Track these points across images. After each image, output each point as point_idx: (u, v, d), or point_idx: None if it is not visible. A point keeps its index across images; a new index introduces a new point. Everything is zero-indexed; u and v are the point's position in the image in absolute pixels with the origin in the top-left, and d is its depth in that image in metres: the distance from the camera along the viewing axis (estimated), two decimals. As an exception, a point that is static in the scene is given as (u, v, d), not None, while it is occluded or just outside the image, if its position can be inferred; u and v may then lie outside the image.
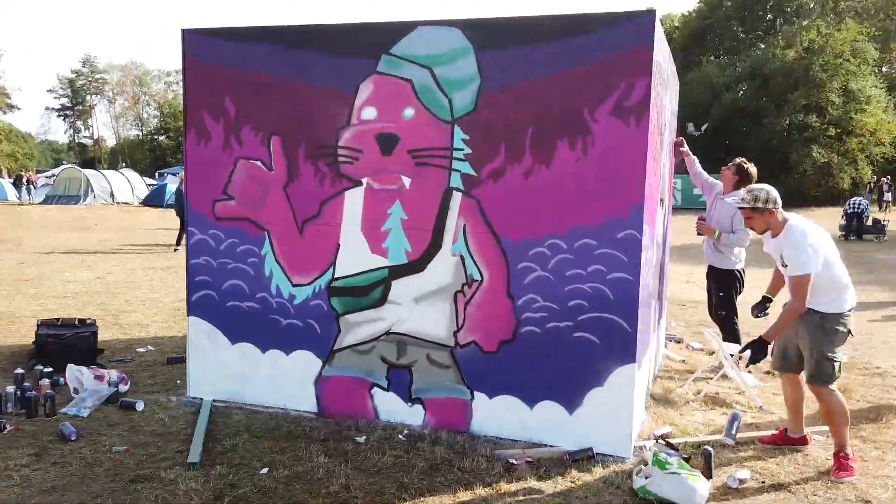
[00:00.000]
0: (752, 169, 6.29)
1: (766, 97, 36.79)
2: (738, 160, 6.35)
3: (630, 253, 4.21)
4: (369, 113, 4.64)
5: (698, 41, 44.51)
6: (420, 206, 4.60)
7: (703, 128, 38.71)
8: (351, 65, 4.62)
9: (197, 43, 5.02)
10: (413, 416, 4.76)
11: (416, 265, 4.64)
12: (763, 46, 41.00)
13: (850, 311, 4.22)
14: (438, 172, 4.53)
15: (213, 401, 5.19)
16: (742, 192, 6.18)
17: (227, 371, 5.19)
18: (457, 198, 4.53)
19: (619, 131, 4.17)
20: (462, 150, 4.48)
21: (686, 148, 6.53)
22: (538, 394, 4.47)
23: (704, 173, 6.70)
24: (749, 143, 34.89)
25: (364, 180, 4.70)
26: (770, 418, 5.19)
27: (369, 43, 4.58)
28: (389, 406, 4.80)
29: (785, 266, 4.19)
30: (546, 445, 4.43)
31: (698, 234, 6.26)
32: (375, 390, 4.82)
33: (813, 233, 4.13)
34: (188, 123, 5.11)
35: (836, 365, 4.15)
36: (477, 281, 4.53)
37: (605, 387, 4.33)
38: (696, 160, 6.68)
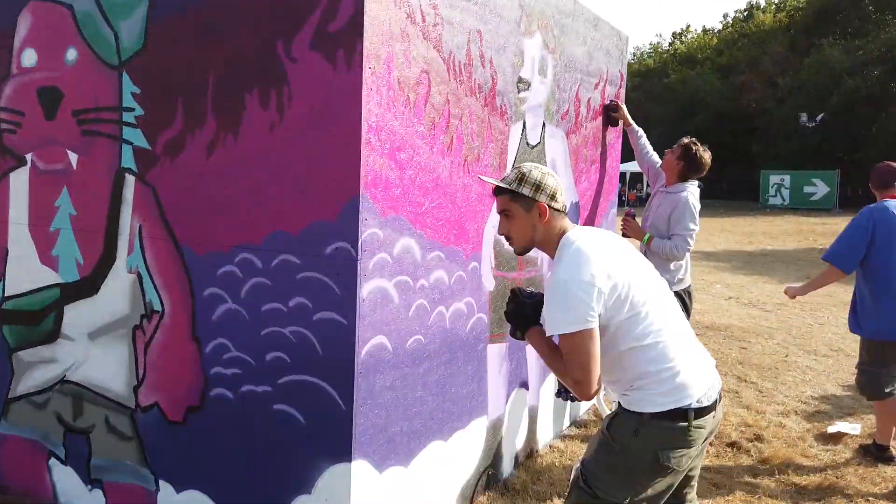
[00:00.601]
0: (706, 155, 4.34)
1: (898, 83, 32.51)
2: (685, 140, 4.41)
3: (343, 279, 2.51)
4: (29, 58, 3.17)
5: (822, 22, 40.09)
6: (89, 197, 3.08)
7: (819, 118, 34.81)
8: (7, -12, 3.17)
9: None
10: (94, 503, 3.24)
11: (87, 284, 3.13)
12: (900, 25, 36.28)
13: (682, 420, 2.14)
14: (108, 145, 3.00)
15: None
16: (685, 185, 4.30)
17: None
18: (130, 184, 2.97)
19: (323, 75, 2.49)
20: (133, 110, 2.92)
21: (625, 112, 4.65)
22: (231, 493, 2.85)
23: (652, 153, 4.78)
24: (874, 134, 30.86)
25: (28, 157, 3.22)
26: None
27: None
28: (67, 485, 3.31)
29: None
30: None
31: (623, 235, 4.34)
32: (53, 461, 3.33)
33: (600, 260, 2.14)
34: None
35: None
36: (157, 312, 2.96)
37: (313, 495, 2.65)
38: (642, 133, 4.77)
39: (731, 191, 39.55)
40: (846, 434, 4.66)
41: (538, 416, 4.11)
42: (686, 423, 2.11)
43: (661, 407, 2.09)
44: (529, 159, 3.67)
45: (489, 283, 3.41)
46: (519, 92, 3.50)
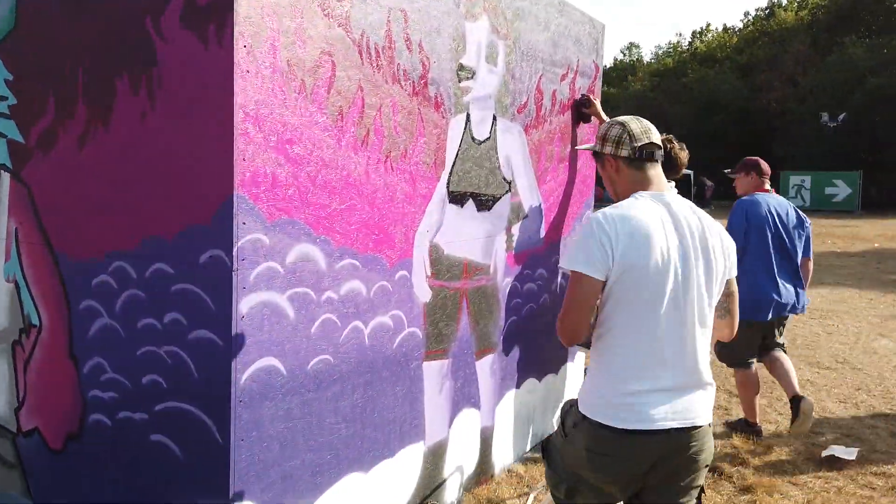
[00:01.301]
0: (681, 154, 3.95)
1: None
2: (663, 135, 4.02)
3: (218, 292, 2.16)
4: None
5: (845, 20, 39.13)
6: (-33, 197, 2.76)
7: (840, 117, 33.96)
8: None
9: None
10: (-20, 537, 2.92)
11: (-32, 293, 2.80)
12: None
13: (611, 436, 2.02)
14: (-16, 139, 2.67)
15: None
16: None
17: None
18: (5, 182, 2.65)
19: (194, 56, 2.15)
20: (6, 98, 2.60)
21: (597, 108, 4.27)
22: (110, 534, 2.51)
23: None
24: (898, 136, 30.09)
25: None
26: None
27: None
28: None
29: None
30: None
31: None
32: (-59, 487, 3.01)
33: (636, 231, 1.98)
34: None
35: None
36: (35, 327, 2.63)
37: (192, 541, 2.30)
38: None
39: (751, 192, 38.63)
40: (841, 459, 4.23)
41: (493, 438, 3.74)
42: (616, 435, 1.99)
43: (595, 415, 2.02)
44: (476, 156, 3.31)
45: (424, 294, 3.05)
46: (460, 81, 3.14)
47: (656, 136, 2.16)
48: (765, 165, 4.75)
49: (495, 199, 3.50)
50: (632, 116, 2.20)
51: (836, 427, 4.86)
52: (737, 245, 4.08)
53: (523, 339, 3.90)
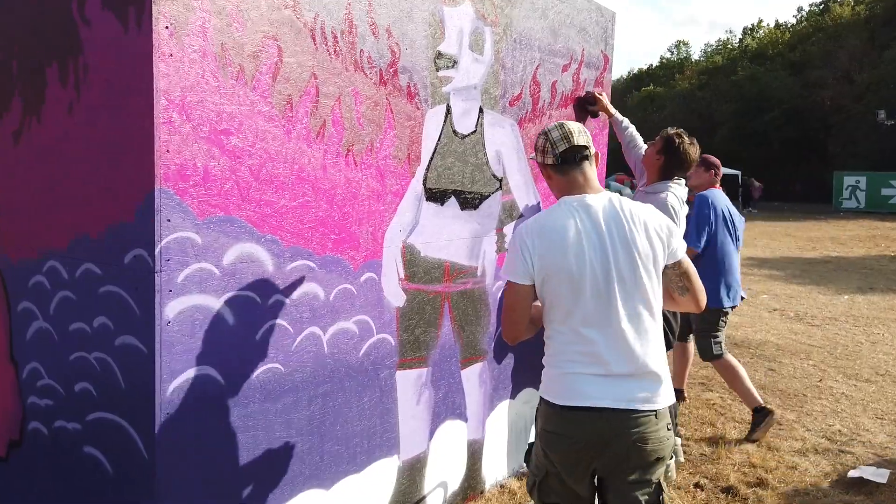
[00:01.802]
0: (691, 149, 3.67)
1: None
2: (669, 130, 3.75)
3: (141, 295, 1.99)
4: None
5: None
6: (-83, 193, 2.67)
7: (899, 115, 32.65)
8: None
9: None
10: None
11: (-80, 293, 2.71)
12: None
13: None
14: (-68, 134, 2.57)
15: None
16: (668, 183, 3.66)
17: None
18: (-49, 179, 2.54)
19: (116, 40, 1.99)
20: (-50, 91, 2.49)
21: (605, 102, 4.01)
22: (48, 549, 2.38)
23: (641, 147, 4.12)
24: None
25: None
26: None
27: None
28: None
29: None
30: None
31: None
32: None
33: (549, 236, 2.12)
34: None
35: None
36: (-21, 328, 2.52)
37: (121, 562, 2.14)
38: (628, 124, 4.13)
39: (805, 193, 37.47)
40: (870, 482, 3.88)
41: (483, 451, 3.51)
42: (558, 411, 2.11)
43: (544, 394, 2.16)
44: (459, 150, 3.09)
45: (396, 298, 2.85)
46: (438, 70, 2.93)
47: (580, 139, 2.17)
48: (719, 163, 4.90)
49: (483, 197, 3.27)
50: (557, 123, 2.24)
51: (870, 446, 4.48)
52: (707, 234, 4.47)
53: (519, 346, 3.66)
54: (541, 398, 2.19)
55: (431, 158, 2.95)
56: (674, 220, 3.52)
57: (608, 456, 2.08)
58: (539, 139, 2.23)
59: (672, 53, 67.78)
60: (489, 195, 3.32)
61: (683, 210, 3.69)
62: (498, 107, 3.31)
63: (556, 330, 2.14)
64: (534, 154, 2.30)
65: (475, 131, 3.19)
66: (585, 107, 3.98)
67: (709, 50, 60.13)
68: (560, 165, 2.17)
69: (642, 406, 2.05)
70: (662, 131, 3.78)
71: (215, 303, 2.13)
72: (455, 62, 3.01)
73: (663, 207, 3.51)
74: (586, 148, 2.19)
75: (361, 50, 2.54)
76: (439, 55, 2.91)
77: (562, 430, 2.09)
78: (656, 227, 2.12)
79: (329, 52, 2.41)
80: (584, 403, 2.04)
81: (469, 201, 3.19)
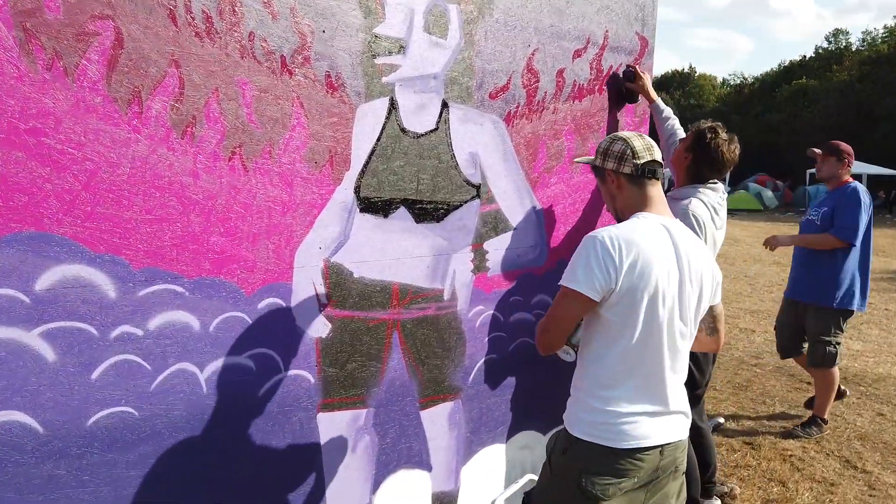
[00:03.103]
0: (727, 147, 2.97)
1: None
2: (702, 124, 3.07)
3: (-82, 329, 1.68)
4: None
5: None
6: None
7: None
8: None
9: None
10: None
11: None
12: None
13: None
14: None
15: None
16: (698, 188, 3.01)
17: None
18: None
19: None
20: None
21: (646, 84, 3.37)
22: None
23: (677, 132, 3.43)
24: None
25: None
26: None
27: None
28: None
29: None
30: None
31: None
32: None
33: (639, 252, 1.97)
34: None
35: None
36: None
37: None
38: (669, 114, 3.47)
39: None
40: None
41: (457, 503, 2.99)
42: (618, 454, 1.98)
43: (587, 436, 2.00)
44: (412, 152, 2.60)
45: (316, 328, 2.41)
46: (376, 57, 2.45)
47: (658, 154, 2.11)
48: (852, 152, 4.57)
49: (450, 208, 2.76)
50: (634, 133, 2.15)
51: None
52: (860, 231, 4.35)
53: (512, 382, 3.11)
54: (578, 439, 2.01)
55: (368, 162, 2.48)
56: (697, 234, 2.83)
57: (656, 487, 2.07)
58: (615, 144, 2.13)
59: (829, 42, 62.24)
60: (460, 205, 2.79)
61: (718, 219, 2.98)
62: (473, 100, 2.78)
63: (608, 357, 1.99)
64: (593, 157, 2.22)
65: (436, 129, 2.67)
66: (621, 87, 3.35)
67: (873, 37, 54.58)
68: (637, 177, 2.07)
69: (683, 436, 2.11)
70: (695, 123, 3.09)
71: (25, 336, 1.78)
72: (402, 47, 2.51)
73: (684, 217, 2.84)
74: (662, 166, 2.15)
75: (252, 33, 2.12)
76: (376, 38, 2.43)
77: (623, 475, 1.98)
78: (714, 269, 2.11)
79: (198, 36, 2.00)
80: (647, 444, 1.98)
81: (428, 212, 2.69)
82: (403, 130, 2.57)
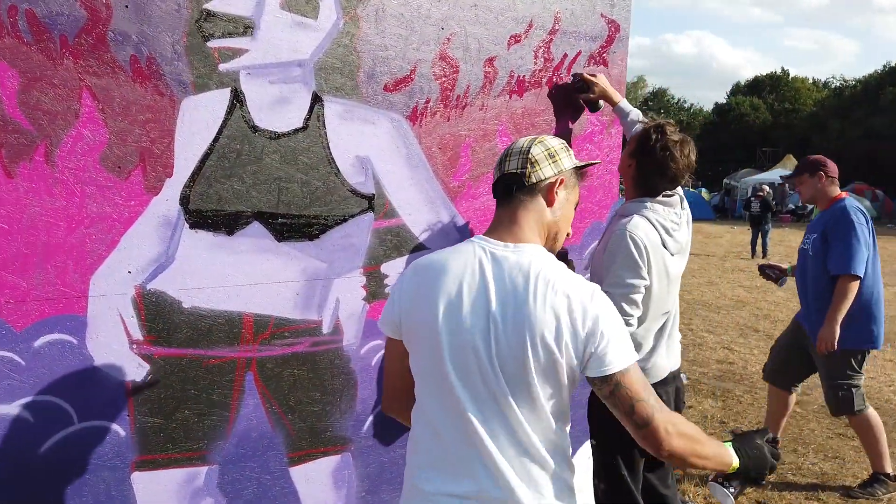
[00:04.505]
0: (679, 150, 2.36)
1: None
2: (648, 122, 2.47)
3: None
4: None
5: None
6: None
7: None
8: None
9: None
10: None
11: None
12: None
13: None
14: None
15: None
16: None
17: None
18: None
19: None
20: None
21: (603, 87, 2.76)
22: None
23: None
24: None
25: None
26: None
27: None
28: None
29: None
30: None
31: None
32: None
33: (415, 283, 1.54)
34: None
35: None
36: None
37: None
38: (636, 115, 2.83)
39: None
40: None
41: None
42: None
43: None
44: (269, 156, 2.14)
45: (126, 369, 1.97)
46: (209, 40, 2.00)
47: (512, 164, 1.56)
48: (827, 162, 3.88)
49: (330, 223, 2.27)
50: (529, 137, 1.61)
51: None
52: (856, 257, 3.55)
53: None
54: None
55: (201, 167, 2.02)
56: (631, 261, 2.23)
57: None
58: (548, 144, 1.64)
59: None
60: (345, 220, 2.30)
61: (673, 241, 2.37)
62: (360, 93, 2.28)
63: (415, 418, 1.58)
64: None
65: (304, 128, 2.19)
66: (573, 97, 2.77)
67: None
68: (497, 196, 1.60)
69: None
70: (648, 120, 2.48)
71: None
72: (248, 27, 2.05)
73: (619, 241, 2.25)
74: (519, 177, 1.54)
75: (11, 6, 1.70)
76: (207, 16, 1.98)
77: None
78: (582, 321, 1.42)
79: None
80: None
81: (296, 229, 2.21)
82: (255, 129, 2.10)
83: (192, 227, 2.03)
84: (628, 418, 1.44)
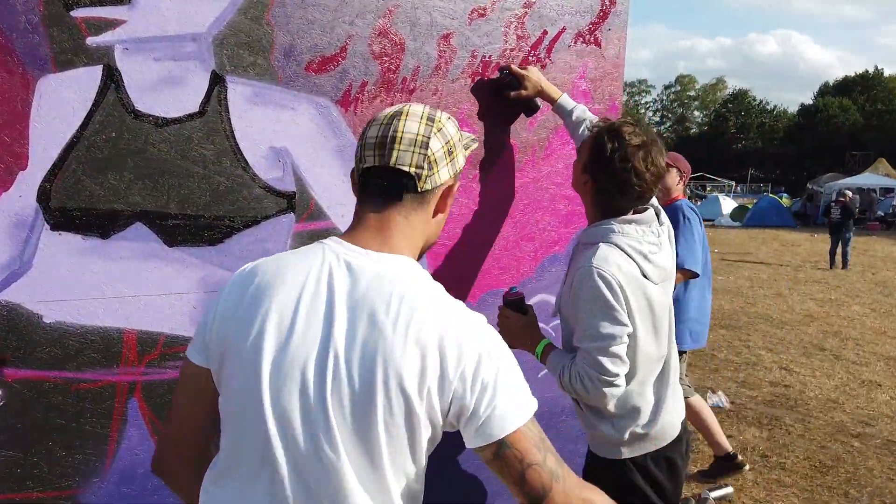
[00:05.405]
0: (642, 157, 1.85)
1: None
2: (602, 122, 1.98)
3: None
4: None
5: None
6: None
7: None
8: None
9: None
10: None
11: None
12: None
13: None
14: None
15: None
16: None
17: None
18: None
19: None
20: None
21: (537, 81, 2.28)
22: None
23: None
24: None
25: None
26: None
27: None
28: None
29: None
30: None
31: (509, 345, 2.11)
32: None
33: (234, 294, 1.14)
34: None
35: None
36: None
37: None
38: (581, 112, 2.29)
39: None
40: None
41: None
42: None
43: None
44: (159, 144, 1.82)
45: (-30, 394, 1.68)
46: (72, 9, 1.69)
47: (408, 156, 1.14)
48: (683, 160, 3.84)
49: (236, 227, 1.94)
50: (409, 111, 1.18)
51: None
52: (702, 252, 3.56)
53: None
54: None
55: (65, 158, 1.72)
56: (605, 306, 1.76)
57: None
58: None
59: None
60: (258, 222, 1.97)
61: (654, 269, 1.89)
62: (275, 74, 1.94)
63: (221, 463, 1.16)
64: None
65: (201, 113, 1.87)
66: (505, 93, 2.32)
67: None
68: (360, 189, 1.20)
69: None
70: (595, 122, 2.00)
71: None
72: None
73: (582, 285, 1.79)
74: (412, 180, 1.15)
75: None
76: (69, -17, 1.67)
77: None
78: (444, 350, 1.05)
79: None
80: None
81: (193, 232, 1.89)
82: (136, 114, 1.79)
83: (53, 228, 1.73)
84: (518, 488, 1.07)
